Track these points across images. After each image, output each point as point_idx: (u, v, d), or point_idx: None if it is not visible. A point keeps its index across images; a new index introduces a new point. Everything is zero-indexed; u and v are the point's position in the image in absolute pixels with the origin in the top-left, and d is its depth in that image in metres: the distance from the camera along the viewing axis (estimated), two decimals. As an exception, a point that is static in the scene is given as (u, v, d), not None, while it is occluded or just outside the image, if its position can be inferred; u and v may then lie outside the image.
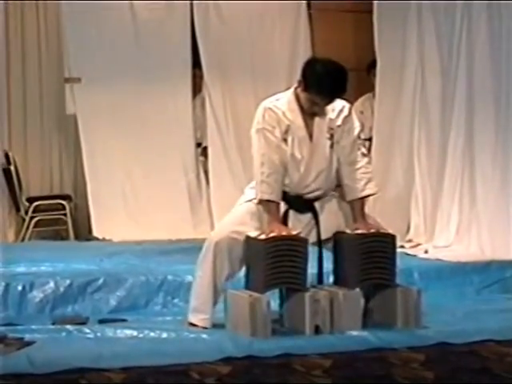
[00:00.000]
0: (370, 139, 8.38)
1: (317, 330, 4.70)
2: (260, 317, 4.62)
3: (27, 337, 4.59)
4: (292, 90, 4.90)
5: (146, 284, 5.72)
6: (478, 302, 5.65)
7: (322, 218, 4.89)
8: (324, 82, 4.71)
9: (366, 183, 4.94)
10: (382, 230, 4.97)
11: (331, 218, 4.93)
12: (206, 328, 4.82)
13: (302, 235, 4.82)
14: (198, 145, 8.87)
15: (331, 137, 4.86)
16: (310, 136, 4.85)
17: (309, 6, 8.94)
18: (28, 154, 9.01)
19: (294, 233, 4.75)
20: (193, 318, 4.89)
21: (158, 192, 8.51)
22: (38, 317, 5.32)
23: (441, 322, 4.98)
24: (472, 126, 6.88)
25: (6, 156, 8.66)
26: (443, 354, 4.34)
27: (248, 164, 8.49)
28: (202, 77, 8.74)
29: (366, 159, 5.01)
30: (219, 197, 8.53)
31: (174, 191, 8.61)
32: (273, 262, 4.66)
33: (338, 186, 4.99)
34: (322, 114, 4.83)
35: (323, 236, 4.88)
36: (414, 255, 6.80)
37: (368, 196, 5.00)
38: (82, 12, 8.35)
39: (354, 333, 4.68)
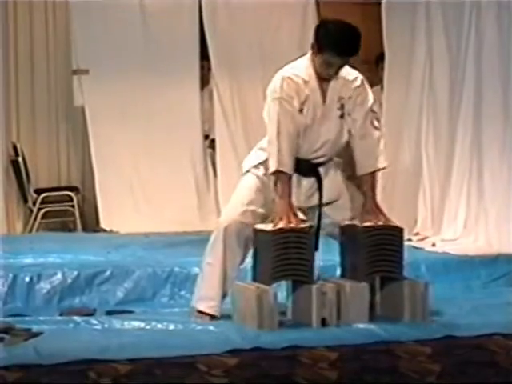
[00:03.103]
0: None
1: (323, 322, 4.70)
2: (267, 309, 4.63)
3: (35, 328, 4.60)
4: (307, 55, 4.86)
5: (153, 276, 5.73)
6: (485, 296, 5.64)
7: (324, 182, 4.88)
8: (338, 39, 4.69)
9: (377, 158, 4.91)
10: (389, 222, 4.94)
11: (333, 185, 4.93)
12: (214, 316, 4.82)
13: (304, 198, 4.83)
14: (206, 137, 8.87)
15: (341, 107, 4.83)
16: (324, 101, 4.82)
17: (317, -3, 8.94)
18: (36, 146, 9.02)
19: (302, 226, 4.73)
20: (201, 306, 4.88)
21: (165, 184, 8.51)
22: (45, 308, 5.34)
23: (448, 315, 4.98)
24: (480, 120, 6.86)
25: (14, 147, 8.68)
26: (450, 347, 4.34)
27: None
28: (209, 69, 8.73)
29: (377, 133, 4.96)
30: (227, 189, 8.50)
31: (182, 183, 8.61)
32: (280, 254, 4.66)
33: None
34: (337, 76, 4.77)
35: (324, 200, 4.87)
36: (422, 248, 6.78)
37: (378, 170, 4.97)
38: (90, 4, 8.35)
39: (361, 325, 4.68)
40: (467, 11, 6.95)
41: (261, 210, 4.86)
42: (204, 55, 8.69)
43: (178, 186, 8.57)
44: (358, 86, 4.87)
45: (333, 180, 4.95)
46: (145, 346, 4.31)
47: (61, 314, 5.10)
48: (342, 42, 4.69)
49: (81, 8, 8.40)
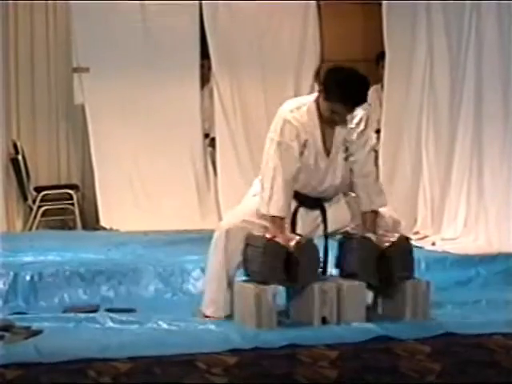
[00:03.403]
0: (377, 131, 8.38)
1: (324, 321, 4.70)
2: (266, 308, 4.63)
3: (35, 326, 4.60)
4: (314, 98, 4.87)
5: (154, 274, 5.74)
6: (484, 295, 5.63)
7: (329, 211, 4.94)
8: (347, 91, 4.68)
9: (378, 195, 4.97)
10: (391, 238, 4.94)
11: (338, 213, 4.98)
12: (220, 319, 4.83)
13: (310, 229, 4.88)
14: (206, 135, 8.87)
15: (346, 149, 4.88)
16: (327, 149, 4.85)
17: (318, -3, 8.93)
18: (36, 144, 9.02)
19: (292, 243, 4.72)
20: (207, 311, 4.90)
21: (165, 182, 8.51)
22: (46, 306, 5.34)
23: (447, 314, 4.98)
24: (480, 119, 6.86)
25: (14, 145, 8.68)
26: (450, 346, 4.34)
27: (256, 155, 8.54)
28: (210, 68, 8.73)
29: (375, 170, 5.03)
30: (227, 187, 8.54)
31: (182, 182, 8.61)
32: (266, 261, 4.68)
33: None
34: (342, 123, 4.80)
35: (330, 229, 4.93)
36: (421, 247, 6.78)
37: (379, 207, 4.98)
38: (91, 2, 8.35)
39: (361, 324, 4.68)
40: (468, 10, 6.94)
41: (262, 223, 4.86)
42: (204, 54, 8.69)
43: (178, 185, 8.58)
44: (362, 130, 4.89)
45: (338, 210, 4.99)
46: (145, 344, 4.32)
47: (64, 311, 5.10)
48: (352, 94, 4.69)
49: (81, 6, 8.40)
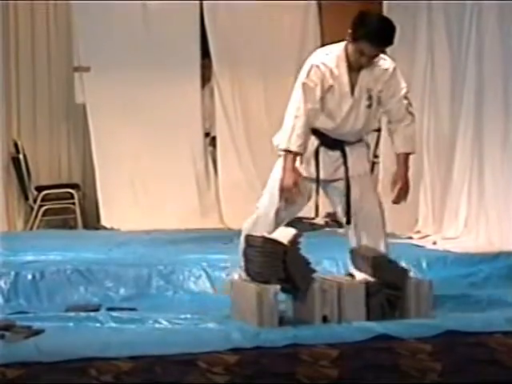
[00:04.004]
0: (378, 130, 8.37)
1: (324, 320, 4.70)
2: (267, 306, 4.63)
3: (36, 325, 4.61)
4: (344, 44, 4.96)
5: (155, 273, 5.74)
6: (485, 293, 5.63)
7: (351, 157, 5.04)
8: (374, 29, 4.81)
9: (411, 140, 5.12)
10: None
11: (357, 161, 5.07)
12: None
13: (332, 170, 5.00)
14: (207, 135, 8.88)
15: (369, 97, 4.96)
16: (352, 94, 4.94)
17: (318, -4, 8.94)
18: (37, 143, 9.03)
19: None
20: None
21: (166, 181, 8.52)
22: (47, 306, 5.34)
23: (449, 313, 4.97)
24: (481, 118, 6.86)
25: (15, 145, 8.68)
26: (451, 344, 4.34)
27: (256, 154, 8.56)
28: (210, 67, 8.74)
29: (410, 117, 5.10)
30: (227, 186, 8.55)
31: (183, 181, 8.62)
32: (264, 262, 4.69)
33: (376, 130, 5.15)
34: (369, 64, 4.88)
35: (350, 173, 5.02)
36: (423, 246, 6.78)
37: (406, 154, 5.13)
38: (92, 1, 8.35)
39: (362, 323, 4.68)
40: (468, 9, 6.95)
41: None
42: (205, 53, 8.70)
43: (179, 184, 8.59)
44: (389, 79, 4.98)
45: (359, 157, 5.09)
46: (146, 343, 4.31)
47: (66, 310, 5.10)
48: (379, 32, 4.82)
49: (82, 5, 8.42)
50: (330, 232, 7.31)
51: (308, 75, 4.91)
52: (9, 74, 8.78)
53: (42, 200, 8.57)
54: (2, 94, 8.52)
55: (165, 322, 4.74)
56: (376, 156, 8.34)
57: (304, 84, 4.90)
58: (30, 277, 5.53)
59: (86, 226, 8.61)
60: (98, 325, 4.73)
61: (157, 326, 4.72)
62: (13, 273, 5.54)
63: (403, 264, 5.23)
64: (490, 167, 6.77)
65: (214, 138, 8.81)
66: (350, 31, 4.90)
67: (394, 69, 5.01)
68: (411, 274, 5.08)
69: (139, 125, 8.50)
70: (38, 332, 4.49)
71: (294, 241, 4.77)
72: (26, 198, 8.65)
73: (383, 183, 8.11)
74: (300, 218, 5.58)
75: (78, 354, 4.05)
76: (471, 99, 6.94)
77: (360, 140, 5.12)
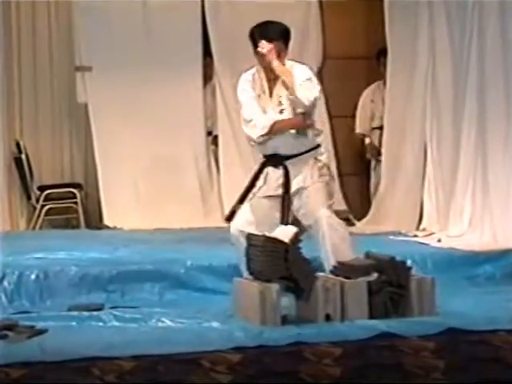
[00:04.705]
0: (381, 128, 8.38)
1: (327, 318, 4.70)
2: (270, 305, 4.63)
3: (39, 325, 4.61)
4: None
5: (159, 273, 5.73)
6: (490, 291, 5.63)
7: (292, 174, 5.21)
8: (256, 26, 5.34)
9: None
10: None
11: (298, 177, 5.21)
12: None
13: (274, 186, 5.17)
14: (209, 133, 8.87)
15: (279, 104, 5.20)
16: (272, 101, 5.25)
17: (320, -7, 8.92)
18: (39, 143, 9.03)
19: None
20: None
21: (168, 180, 8.52)
22: (51, 305, 5.33)
23: (452, 310, 4.97)
24: (484, 115, 6.84)
25: (17, 145, 8.68)
26: (454, 342, 4.34)
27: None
28: (212, 65, 8.72)
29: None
30: (230, 185, 8.53)
31: (185, 180, 8.62)
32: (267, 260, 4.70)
33: (315, 147, 5.27)
34: (271, 60, 5.15)
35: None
36: (427, 244, 6.77)
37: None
38: (93, 1, 8.35)
39: (365, 321, 4.68)
40: (470, 5, 6.93)
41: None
42: (207, 51, 8.69)
43: (181, 183, 8.58)
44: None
45: (300, 171, 5.21)
46: (149, 342, 4.32)
47: (69, 309, 5.10)
48: (261, 25, 5.33)
49: (83, 5, 8.41)
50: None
51: (240, 85, 5.43)
52: (11, 73, 8.77)
53: (45, 199, 8.57)
54: (4, 94, 8.52)
55: (168, 321, 4.75)
56: (379, 154, 8.35)
57: (241, 90, 5.40)
58: (33, 277, 5.53)
59: (88, 226, 8.60)
60: (100, 324, 4.74)
61: (160, 325, 4.73)
62: (16, 272, 5.54)
63: (407, 262, 5.22)
64: (494, 165, 6.76)
65: (216, 137, 8.80)
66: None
67: (296, 67, 5.22)
68: (414, 271, 5.07)
69: (141, 124, 8.49)
70: (41, 332, 4.49)
71: (296, 239, 4.76)
72: (29, 198, 8.65)
73: (385, 182, 8.13)
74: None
75: (81, 354, 4.05)
76: (473, 96, 6.92)
77: (303, 153, 5.22)
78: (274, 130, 5.15)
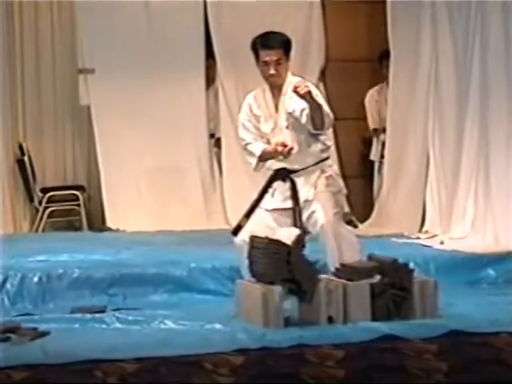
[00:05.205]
0: (383, 130, 8.38)
1: (330, 320, 4.70)
2: (272, 307, 4.63)
3: (42, 327, 4.61)
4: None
5: (161, 275, 5.74)
6: (492, 294, 5.63)
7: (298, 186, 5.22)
8: (259, 37, 5.35)
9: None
10: None
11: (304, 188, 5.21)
12: None
13: (280, 199, 5.19)
14: (211, 136, 8.87)
15: (287, 118, 5.21)
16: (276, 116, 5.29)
17: (322, -5, 8.93)
18: (42, 145, 9.04)
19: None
20: None
21: (171, 183, 8.52)
22: (53, 308, 5.34)
23: (455, 312, 4.97)
24: (487, 117, 6.84)
25: (20, 147, 8.69)
26: (457, 344, 4.33)
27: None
28: (215, 68, 8.73)
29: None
30: (232, 188, 8.54)
31: (188, 182, 8.62)
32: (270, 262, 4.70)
33: (321, 161, 5.28)
34: (278, 74, 5.23)
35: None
36: (430, 246, 6.77)
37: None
38: (96, 2, 8.36)
39: (367, 324, 4.68)
40: (473, 8, 6.93)
41: None
42: (209, 54, 8.69)
43: (184, 185, 8.58)
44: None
45: (307, 183, 5.23)
46: (151, 344, 4.32)
47: (72, 312, 5.10)
48: (264, 36, 5.35)
49: (86, 7, 8.41)
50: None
51: (242, 113, 5.46)
52: (14, 76, 8.79)
53: (48, 202, 8.57)
54: (7, 96, 8.53)
55: (170, 323, 4.75)
56: (382, 156, 8.35)
57: (241, 123, 5.43)
58: (36, 279, 5.54)
59: (91, 228, 8.61)
60: (103, 326, 4.75)
61: (162, 327, 4.73)
62: (19, 275, 5.54)
63: (410, 264, 5.22)
64: (496, 167, 6.75)
65: (218, 140, 8.79)
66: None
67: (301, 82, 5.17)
68: (416, 273, 5.07)
69: (144, 126, 8.49)
70: (43, 334, 4.50)
71: (298, 241, 4.77)
72: (32, 200, 8.65)
73: (388, 184, 8.13)
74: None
75: (83, 356, 4.06)
76: (476, 98, 6.92)
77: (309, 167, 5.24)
78: (263, 160, 5.27)
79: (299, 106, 5.08)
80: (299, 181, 5.21)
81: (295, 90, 4.96)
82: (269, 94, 5.33)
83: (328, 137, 5.48)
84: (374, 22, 8.47)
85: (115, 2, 8.41)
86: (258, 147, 5.27)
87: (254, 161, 5.31)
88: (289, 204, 5.18)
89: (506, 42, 6.65)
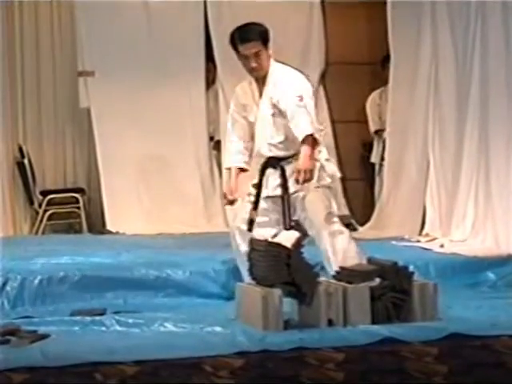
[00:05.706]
0: (383, 130, 8.40)
1: (330, 323, 4.70)
2: (272, 310, 4.62)
3: (42, 330, 4.61)
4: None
5: (161, 278, 5.74)
6: (493, 297, 5.63)
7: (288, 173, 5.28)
8: (234, 32, 5.39)
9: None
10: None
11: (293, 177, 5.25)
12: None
13: (273, 186, 5.27)
14: (211, 139, 8.87)
15: (272, 106, 5.27)
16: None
17: (322, -2, 8.94)
18: (42, 148, 9.05)
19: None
20: None
21: (171, 185, 8.52)
22: (53, 310, 5.34)
23: (455, 315, 4.96)
24: (487, 119, 6.84)
25: (20, 149, 8.69)
26: (457, 348, 4.33)
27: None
28: (215, 70, 8.73)
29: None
30: (232, 190, 8.52)
31: (188, 185, 8.63)
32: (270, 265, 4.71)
33: None
34: (259, 67, 5.31)
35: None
36: (430, 249, 6.77)
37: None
38: (96, 5, 8.37)
39: (367, 326, 4.67)
40: (473, 10, 6.93)
41: None
42: (209, 57, 8.69)
43: (184, 188, 8.59)
44: (280, 83, 5.30)
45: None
46: (151, 347, 4.32)
47: (72, 314, 5.10)
48: (239, 30, 5.41)
49: (86, 10, 8.42)
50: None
51: (232, 104, 5.62)
52: (14, 78, 8.80)
53: (48, 204, 8.58)
54: (7, 99, 8.53)
55: (170, 326, 4.74)
56: (383, 159, 8.35)
57: (230, 114, 5.59)
58: (36, 282, 5.53)
59: (91, 231, 8.61)
60: (103, 329, 4.74)
61: (162, 329, 4.72)
62: (19, 277, 5.54)
63: (410, 267, 5.21)
64: (497, 170, 6.75)
65: (218, 142, 8.80)
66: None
67: (286, 72, 5.34)
68: (416, 276, 5.07)
69: (144, 129, 8.50)
70: (43, 337, 4.49)
71: (298, 244, 4.77)
72: (32, 203, 8.66)
73: (388, 187, 8.13)
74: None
75: (83, 359, 4.05)
76: (476, 101, 6.92)
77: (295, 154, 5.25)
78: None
79: (282, 97, 5.18)
80: (288, 168, 5.25)
81: (296, 179, 5.09)
82: (254, 84, 5.42)
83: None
84: (375, 25, 8.48)
85: (115, 4, 8.42)
86: (231, 157, 5.48)
87: (226, 161, 5.58)
88: (279, 191, 5.26)
89: (507, 44, 6.65)
